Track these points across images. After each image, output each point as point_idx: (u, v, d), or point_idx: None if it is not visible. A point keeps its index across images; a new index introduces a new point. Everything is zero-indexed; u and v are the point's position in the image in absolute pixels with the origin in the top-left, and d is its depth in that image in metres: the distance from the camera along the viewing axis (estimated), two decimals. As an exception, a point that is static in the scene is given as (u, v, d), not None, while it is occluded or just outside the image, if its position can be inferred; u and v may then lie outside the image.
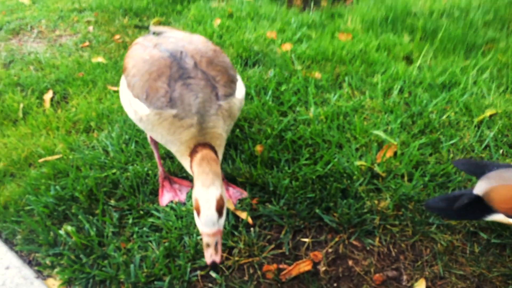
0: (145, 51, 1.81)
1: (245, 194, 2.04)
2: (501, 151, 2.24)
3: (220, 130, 1.66)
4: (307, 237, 1.89)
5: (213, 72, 1.72)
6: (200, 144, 1.62)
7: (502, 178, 1.53)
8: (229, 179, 2.14)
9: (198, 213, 1.45)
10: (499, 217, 1.54)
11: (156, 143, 2.10)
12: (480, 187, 1.55)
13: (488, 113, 2.47)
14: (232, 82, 1.77)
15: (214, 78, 1.71)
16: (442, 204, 1.62)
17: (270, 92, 2.73)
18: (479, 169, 1.62)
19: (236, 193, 2.04)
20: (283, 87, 2.80)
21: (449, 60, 3.09)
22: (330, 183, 2.06)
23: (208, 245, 1.44)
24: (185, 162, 1.67)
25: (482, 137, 2.33)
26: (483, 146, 2.27)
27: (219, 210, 1.44)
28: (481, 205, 1.54)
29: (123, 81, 1.87)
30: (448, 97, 2.65)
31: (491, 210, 1.54)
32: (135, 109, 1.73)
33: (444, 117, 2.48)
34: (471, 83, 2.78)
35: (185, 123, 1.63)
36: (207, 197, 1.43)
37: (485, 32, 3.43)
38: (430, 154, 2.25)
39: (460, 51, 3.20)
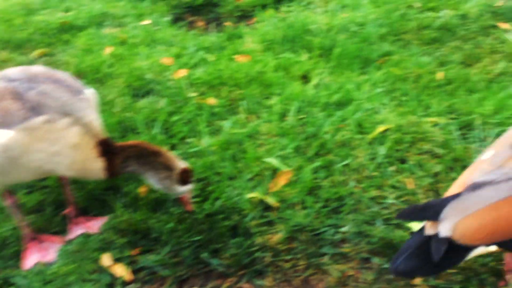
0: None
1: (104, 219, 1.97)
2: (393, 167, 2.24)
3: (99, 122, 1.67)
4: (193, 286, 1.75)
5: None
6: (102, 141, 1.59)
7: (461, 209, 1.32)
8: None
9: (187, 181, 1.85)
10: (479, 251, 1.36)
11: (14, 199, 1.86)
12: (445, 229, 1.33)
13: (380, 129, 2.48)
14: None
15: (63, 81, 1.62)
16: (413, 263, 1.34)
17: (159, 124, 2.58)
18: (429, 212, 1.39)
19: (94, 222, 1.98)
20: (175, 117, 2.67)
21: (345, 76, 3.11)
22: (219, 221, 1.94)
23: None
24: (94, 166, 1.54)
25: (374, 155, 2.33)
26: (376, 164, 2.26)
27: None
28: (456, 247, 1.33)
29: None
30: (343, 115, 2.64)
31: (468, 248, 1.34)
32: None
33: (338, 136, 2.46)
34: (366, 99, 2.80)
35: (62, 124, 1.47)
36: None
37: (380, 46, 3.51)
38: (325, 177, 2.21)
39: (356, 66, 3.23)
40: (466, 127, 2.48)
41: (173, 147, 2.45)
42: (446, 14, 3.83)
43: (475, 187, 1.32)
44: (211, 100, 2.90)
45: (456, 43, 3.43)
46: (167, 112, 2.72)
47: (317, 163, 2.27)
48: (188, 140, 2.50)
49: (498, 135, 2.31)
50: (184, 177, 1.84)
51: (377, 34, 3.70)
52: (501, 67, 2.97)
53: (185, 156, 2.34)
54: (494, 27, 3.63)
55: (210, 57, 3.56)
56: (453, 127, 2.46)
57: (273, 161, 2.25)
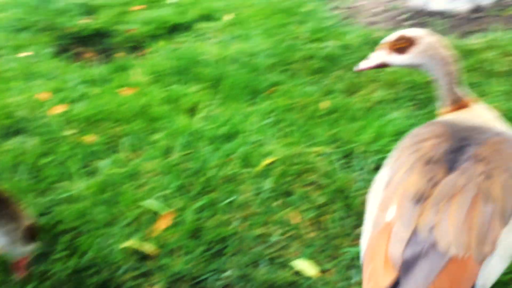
0: None
1: None
2: (278, 202, 2.19)
3: None
4: None
5: None
6: None
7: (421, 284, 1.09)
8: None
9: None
10: None
11: None
12: None
13: (266, 161, 2.43)
14: None
15: None
16: None
17: (26, 168, 2.32)
18: None
19: None
20: (46, 159, 2.42)
21: (233, 108, 3.06)
22: (87, 277, 1.73)
23: None
24: None
25: (260, 189, 2.26)
26: (261, 199, 2.19)
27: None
28: None
29: None
30: (229, 148, 2.57)
31: None
32: None
33: (223, 172, 2.37)
34: (253, 131, 2.75)
35: None
36: None
37: (268, 76, 3.52)
38: (209, 217, 2.09)
39: (245, 98, 3.20)
40: (348, 156, 2.51)
41: (41, 193, 2.20)
42: (330, 45, 3.97)
43: (407, 267, 1.10)
44: (90, 138, 2.68)
45: (340, 73, 3.54)
46: (36, 153, 2.46)
47: (201, 201, 2.15)
48: (59, 184, 2.26)
49: (377, 163, 2.36)
50: (29, 234, 1.62)
51: (266, 64, 3.72)
52: (379, 95, 3.10)
53: (54, 203, 2.11)
54: (374, 57, 3.82)
55: (93, 91, 3.34)
56: (336, 156, 2.48)
57: (152, 204, 2.09)
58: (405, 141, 1.42)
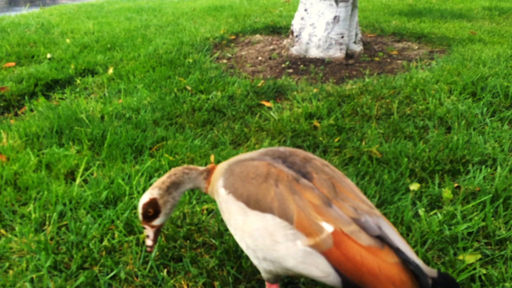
0: None
1: None
2: (166, 270, 2.07)
3: None
4: None
5: None
6: None
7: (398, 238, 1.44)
8: None
9: None
10: None
11: None
12: None
13: (152, 226, 2.31)
14: None
15: None
16: None
17: None
18: None
19: None
20: None
21: (117, 168, 2.91)
22: None
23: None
24: None
25: (146, 257, 2.13)
26: (147, 269, 2.06)
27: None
28: None
29: None
30: (112, 214, 2.41)
31: None
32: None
33: (105, 242, 2.20)
34: (138, 192, 2.62)
35: None
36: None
37: (154, 132, 3.43)
38: (89, 297, 1.91)
39: (129, 157, 3.07)
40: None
41: None
42: (215, 96, 4.00)
43: (381, 239, 1.40)
44: None
45: (227, 123, 3.57)
46: None
47: (80, 279, 1.96)
48: None
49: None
50: None
51: (151, 119, 3.64)
52: (265, 145, 3.15)
53: None
54: (260, 105, 3.92)
55: (-46, 160, 2.98)
56: (225, 212, 2.43)
57: (21, 289, 1.86)
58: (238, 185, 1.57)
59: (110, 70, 4.99)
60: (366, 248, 1.37)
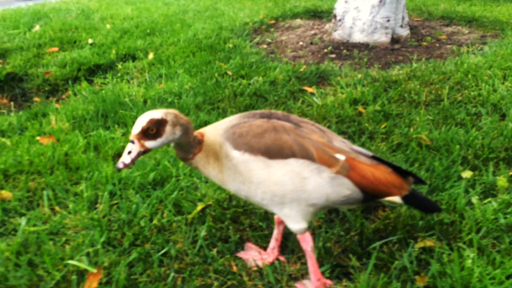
0: None
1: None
2: (216, 249, 2.17)
3: None
4: None
5: None
6: None
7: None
8: None
9: None
10: None
11: None
12: None
13: (199, 207, 2.42)
14: None
15: None
16: None
17: None
18: None
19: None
20: (-45, 222, 2.26)
21: (162, 151, 3.03)
22: None
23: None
24: None
25: (195, 237, 2.24)
26: (197, 248, 2.17)
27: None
28: None
29: None
30: (160, 195, 2.53)
31: None
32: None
33: (155, 221, 2.32)
34: (184, 175, 2.73)
35: None
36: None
37: (196, 116, 3.55)
38: (141, 273, 2.03)
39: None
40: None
41: (-50, 262, 2.04)
42: (257, 81, 4.08)
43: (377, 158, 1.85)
44: (6, 194, 2.54)
45: (269, 109, 3.64)
46: None
47: (133, 255, 2.09)
48: (-28, 249, 2.11)
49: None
50: None
51: (193, 103, 3.75)
52: (310, 130, 3.20)
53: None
54: (302, 91, 3.98)
55: (7, 141, 3.18)
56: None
57: (76, 262, 2.00)
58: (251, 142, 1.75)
59: (150, 55, 5.14)
60: (371, 166, 1.79)
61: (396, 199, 1.81)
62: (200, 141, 1.79)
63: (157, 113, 1.68)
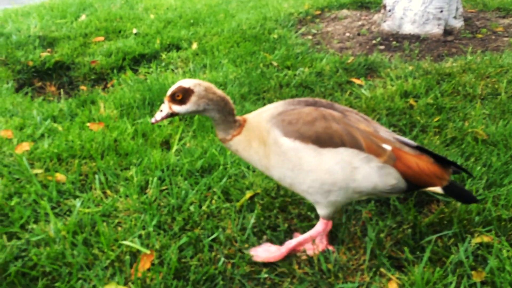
0: None
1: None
2: (265, 237, 2.23)
3: None
4: None
5: None
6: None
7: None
8: None
9: None
10: None
11: None
12: None
13: (248, 195, 2.48)
14: None
15: None
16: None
17: (-7, 212, 2.29)
18: None
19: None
20: (14, 200, 2.40)
21: (209, 139, 3.11)
22: (68, 325, 1.72)
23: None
24: None
25: (244, 224, 2.30)
26: (246, 235, 2.23)
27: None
28: None
29: None
30: (208, 182, 2.60)
31: None
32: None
33: (204, 207, 2.40)
34: (232, 163, 2.80)
35: None
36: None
37: (242, 106, 3.61)
38: (192, 257, 2.11)
39: (220, 129, 3.26)
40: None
41: (11, 237, 2.17)
42: (302, 72, 4.11)
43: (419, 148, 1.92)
44: (60, 176, 2.68)
45: (316, 100, 3.66)
46: (4, 194, 2.43)
47: (183, 239, 2.17)
48: (31, 226, 2.24)
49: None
50: None
51: (239, 93, 3.81)
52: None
53: (28, 246, 2.08)
54: (349, 82, 3.98)
55: (59, 127, 3.34)
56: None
57: (130, 243, 2.10)
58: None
59: (194, 45, 5.24)
60: (416, 156, 1.86)
61: (437, 189, 1.88)
62: (240, 124, 1.89)
63: (187, 82, 1.82)
